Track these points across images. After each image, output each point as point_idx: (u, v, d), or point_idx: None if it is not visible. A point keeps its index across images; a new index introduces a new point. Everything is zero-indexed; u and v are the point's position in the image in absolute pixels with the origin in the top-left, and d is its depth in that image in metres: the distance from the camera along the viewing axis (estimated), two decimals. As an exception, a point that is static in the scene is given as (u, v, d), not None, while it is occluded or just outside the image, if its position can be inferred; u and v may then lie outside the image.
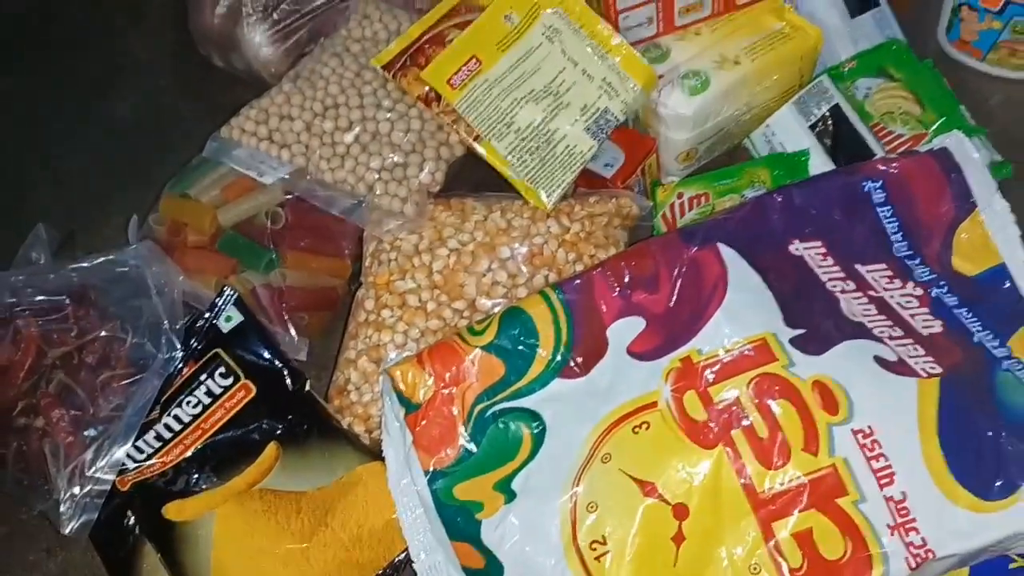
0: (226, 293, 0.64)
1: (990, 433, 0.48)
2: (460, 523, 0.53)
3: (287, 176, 0.69)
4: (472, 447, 0.54)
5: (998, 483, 0.47)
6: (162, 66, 0.94)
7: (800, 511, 0.48)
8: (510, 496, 0.52)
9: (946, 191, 0.57)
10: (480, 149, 0.67)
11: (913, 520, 0.47)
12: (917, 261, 0.56)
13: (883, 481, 0.48)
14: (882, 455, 0.48)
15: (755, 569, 0.48)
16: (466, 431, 0.54)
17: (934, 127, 0.68)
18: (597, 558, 0.50)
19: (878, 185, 0.57)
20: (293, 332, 0.67)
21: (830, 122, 0.69)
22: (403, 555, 0.59)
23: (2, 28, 1.00)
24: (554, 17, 0.68)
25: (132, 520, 0.60)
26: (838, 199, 0.58)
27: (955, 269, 0.56)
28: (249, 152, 0.70)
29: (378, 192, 0.67)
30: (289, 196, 0.69)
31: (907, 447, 0.48)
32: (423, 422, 0.55)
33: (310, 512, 0.58)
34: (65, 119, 0.91)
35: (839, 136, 0.69)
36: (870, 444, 0.49)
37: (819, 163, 0.69)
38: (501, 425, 0.54)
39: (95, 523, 0.60)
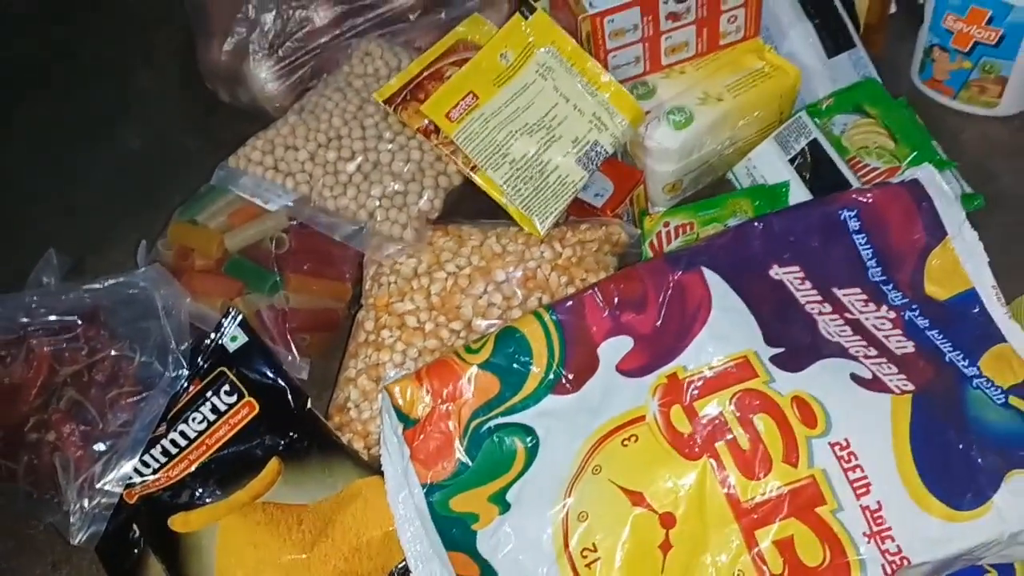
0: (232, 314, 0.66)
1: (961, 446, 0.50)
2: (456, 534, 0.54)
3: (291, 203, 0.71)
4: (468, 461, 0.56)
5: (969, 494, 0.49)
6: (170, 101, 0.97)
7: (781, 519, 0.50)
8: (504, 507, 0.54)
9: (917, 220, 0.60)
10: (477, 179, 0.69)
11: (888, 528, 0.49)
12: (891, 286, 0.59)
13: (859, 491, 0.50)
14: (858, 466, 0.50)
15: (739, 575, 0.49)
16: (462, 445, 0.56)
17: (907, 160, 0.70)
18: (588, 565, 0.51)
19: (853, 214, 0.60)
20: (295, 352, 0.69)
21: (809, 156, 0.72)
22: (401, 565, 0.60)
23: (18, 63, 1.02)
24: (547, 56, 0.71)
25: (137, 533, 0.62)
26: (816, 227, 0.60)
27: (927, 294, 0.59)
28: (255, 180, 0.73)
29: (379, 219, 0.70)
30: (293, 222, 0.71)
31: (882, 459, 0.50)
32: (421, 437, 0.56)
33: (311, 524, 0.59)
34: (77, 150, 0.93)
35: (817, 169, 0.71)
36: (847, 456, 0.50)
37: (798, 195, 0.71)
38: (496, 439, 0.56)
39: (102, 536, 0.61)
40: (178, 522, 0.60)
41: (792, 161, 0.72)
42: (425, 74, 0.72)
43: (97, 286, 0.68)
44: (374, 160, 0.72)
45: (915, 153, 0.71)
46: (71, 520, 0.60)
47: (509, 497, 0.54)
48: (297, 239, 0.71)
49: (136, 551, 0.61)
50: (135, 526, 0.62)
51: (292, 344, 0.69)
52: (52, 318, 0.67)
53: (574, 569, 0.51)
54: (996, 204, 0.72)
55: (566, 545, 0.52)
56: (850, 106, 0.74)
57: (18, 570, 0.66)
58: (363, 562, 0.59)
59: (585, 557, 0.51)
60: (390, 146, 0.72)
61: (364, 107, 0.74)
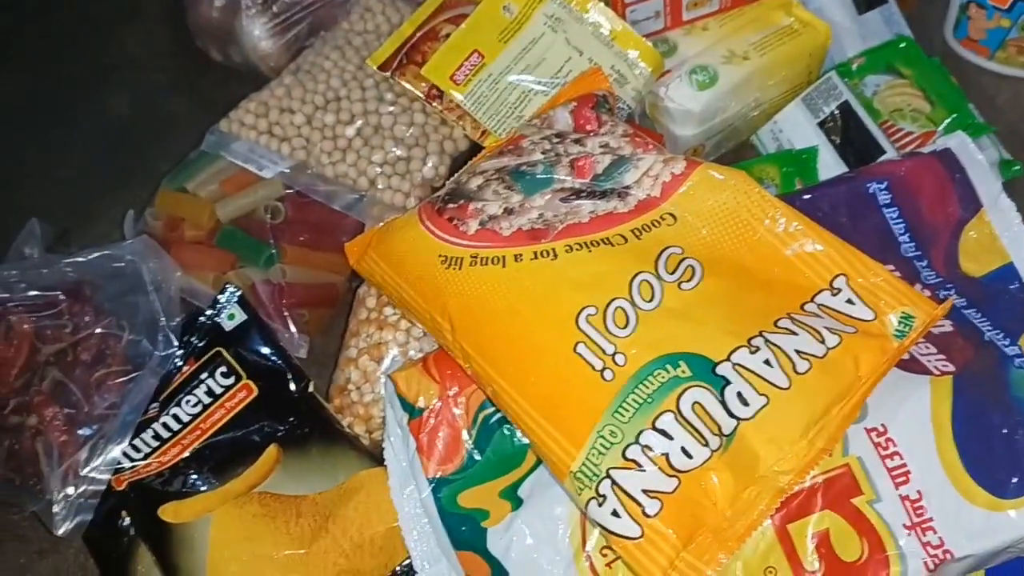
0: (229, 290, 0.63)
1: (1005, 430, 0.48)
2: (465, 532, 0.52)
3: (287, 170, 0.68)
4: (477, 454, 0.53)
5: (1015, 480, 0.46)
6: (158, 62, 0.93)
7: (815, 512, 0.47)
8: (517, 503, 0.52)
9: (951, 192, 0.57)
10: (488, 144, 0.66)
11: (930, 520, 0.46)
12: (925, 263, 0.56)
13: (898, 480, 0.47)
14: (896, 453, 0.47)
15: (771, 573, 0.47)
16: (471, 438, 0.54)
17: (944, 124, 0.67)
18: (608, 564, 0.49)
19: (883, 186, 0.57)
20: (293, 329, 0.66)
21: (839, 119, 0.69)
22: (405, 564, 0.58)
23: (-4, 25, 0.99)
24: (555, 6, 0.68)
25: (127, 520, 0.59)
26: (844, 201, 0.58)
27: (962, 270, 0.56)
28: (248, 146, 0.70)
29: (380, 186, 0.67)
30: (289, 190, 0.68)
31: (921, 445, 0.47)
32: (427, 428, 0.54)
33: (310, 517, 0.57)
34: (60, 115, 0.90)
35: (848, 133, 0.69)
36: (884, 442, 0.48)
37: (828, 160, 0.69)
38: (507, 431, 0.53)
39: (89, 523, 0.59)
40: (169, 512, 0.57)
41: (821, 124, 0.69)
42: (419, 34, 0.69)
43: (81, 259, 0.65)
44: (375, 124, 0.68)
45: (952, 116, 0.67)
46: (55, 510, 0.57)
47: (521, 493, 0.52)
48: (294, 208, 0.68)
49: (126, 540, 0.59)
50: (124, 514, 0.59)
51: (289, 320, 0.66)
52: (33, 293, 0.64)
53: (594, 570, 0.49)
54: (1036, 171, 0.68)
55: (584, 544, 0.49)
56: (882, 66, 0.71)
57: (2, 558, 0.64)
58: (365, 559, 0.57)
59: (605, 556, 0.49)
60: (392, 108, 0.68)
61: (364, 67, 0.71)
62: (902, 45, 0.71)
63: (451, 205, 0.56)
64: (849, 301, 0.48)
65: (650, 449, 0.44)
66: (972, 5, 0.75)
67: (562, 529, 0.50)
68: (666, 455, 0.44)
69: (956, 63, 0.78)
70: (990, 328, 0.53)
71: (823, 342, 0.46)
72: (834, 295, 0.49)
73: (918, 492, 0.47)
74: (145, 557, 0.58)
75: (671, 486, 0.43)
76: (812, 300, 0.49)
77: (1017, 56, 0.76)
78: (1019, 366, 0.51)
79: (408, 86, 0.68)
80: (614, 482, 0.44)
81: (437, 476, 0.53)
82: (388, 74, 0.69)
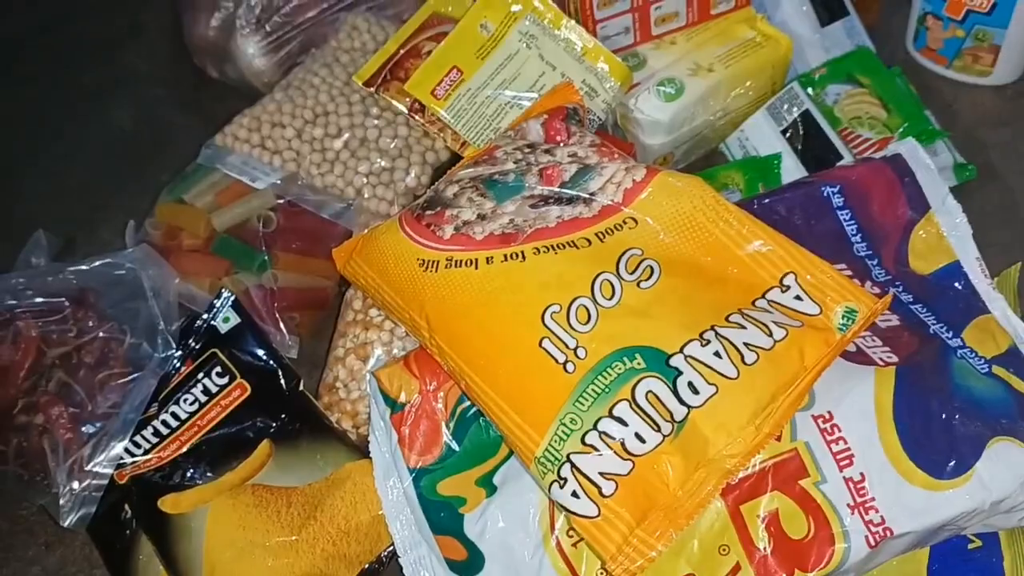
0: (224, 295, 0.66)
1: (944, 416, 0.50)
2: (444, 518, 0.54)
3: (279, 181, 0.71)
4: (455, 445, 0.56)
5: (951, 463, 0.49)
6: (158, 78, 0.96)
7: (766, 493, 0.49)
8: (491, 490, 0.54)
9: (901, 194, 0.60)
10: (467, 154, 0.69)
11: (872, 499, 0.49)
12: (875, 262, 0.59)
13: (842, 463, 0.49)
14: (841, 438, 0.50)
15: (724, 550, 0.49)
16: (449, 430, 0.56)
17: (899, 131, 0.70)
18: (574, 544, 0.51)
19: (836, 190, 0.60)
20: (285, 331, 0.68)
21: (801, 127, 0.71)
22: (389, 549, 0.60)
23: (4, 41, 1.01)
24: (529, 24, 0.70)
25: (129, 513, 0.62)
26: (800, 204, 0.60)
27: (912, 268, 0.59)
28: (242, 158, 0.72)
29: (366, 195, 0.69)
30: (281, 200, 0.71)
31: (864, 431, 0.50)
32: (408, 422, 0.57)
33: (300, 507, 0.59)
34: (64, 129, 0.92)
35: (809, 140, 0.71)
36: (830, 428, 0.50)
37: (790, 166, 0.71)
38: (483, 423, 0.56)
39: (93, 516, 0.61)
40: (168, 503, 0.60)
41: (784, 132, 0.72)
42: (402, 52, 0.72)
43: (84, 267, 0.67)
44: (361, 136, 0.71)
45: (907, 123, 0.70)
46: (61, 503, 0.60)
47: (496, 480, 0.54)
48: (285, 217, 0.71)
49: (128, 532, 0.61)
50: (127, 507, 0.62)
51: (281, 323, 0.69)
52: (40, 300, 0.66)
53: (561, 550, 0.51)
54: (988, 174, 0.71)
55: (552, 527, 0.52)
56: (843, 75, 0.73)
57: (11, 550, 0.66)
58: (351, 545, 0.59)
59: (571, 537, 0.51)
60: (376, 122, 0.71)
61: (351, 82, 0.74)
62: (862, 55, 0.74)
63: (429, 212, 0.59)
64: (797, 297, 0.51)
65: (607, 435, 0.47)
66: (929, 16, 0.78)
67: (532, 513, 0.52)
68: (622, 440, 0.47)
69: (917, 72, 0.80)
70: (935, 322, 0.56)
71: (771, 335, 0.49)
72: (783, 292, 0.52)
73: (861, 474, 0.49)
74: (146, 547, 0.61)
75: (626, 469, 0.46)
76: (763, 296, 0.51)
77: (972, 64, 0.78)
78: (961, 356, 0.53)
79: (392, 101, 0.72)
80: (574, 466, 0.47)
81: (418, 467, 0.56)
82: (373, 90, 0.72)
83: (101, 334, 0.66)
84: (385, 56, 0.72)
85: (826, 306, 0.51)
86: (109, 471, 0.61)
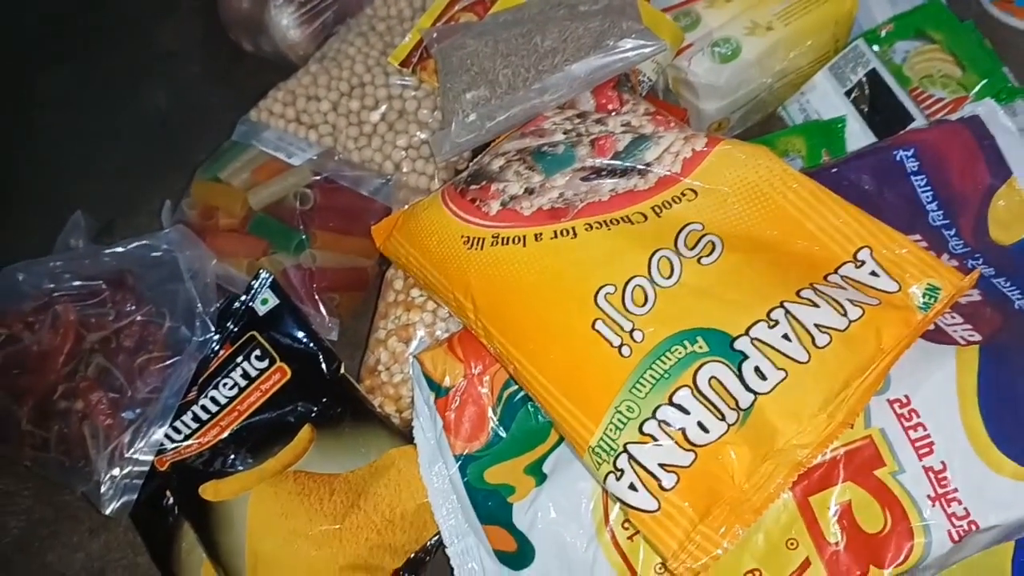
0: (262, 276, 0.65)
1: (1033, 399, 0.47)
2: (492, 507, 0.53)
3: (315, 157, 0.69)
4: (502, 431, 0.54)
5: (1043, 450, 0.46)
6: (193, 54, 0.95)
7: (837, 484, 0.47)
8: (541, 479, 0.52)
9: (980, 159, 0.56)
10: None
11: (954, 491, 0.46)
12: (953, 232, 0.55)
13: (922, 451, 0.47)
14: (920, 424, 0.47)
15: (792, 544, 0.47)
16: (495, 415, 0.55)
17: (976, 89, 0.66)
18: (630, 537, 0.49)
19: (910, 154, 0.56)
20: (324, 312, 0.67)
21: (867, 87, 0.67)
22: (435, 538, 0.59)
23: (39, 23, 1.01)
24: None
25: (171, 500, 0.61)
26: (870, 170, 0.57)
27: (992, 239, 0.55)
28: (278, 134, 0.71)
29: (405, 170, 0.67)
30: (317, 177, 0.69)
31: (946, 416, 0.47)
32: (453, 407, 0.55)
33: (343, 494, 0.58)
34: (100, 109, 0.92)
35: (876, 101, 0.67)
36: (907, 414, 0.47)
37: (856, 130, 0.67)
38: (531, 408, 0.54)
39: (135, 502, 0.61)
40: (209, 491, 0.59)
41: (848, 94, 0.68)
42: (437, 26, 0.68)
43: (121, 249, 0.67)
44: (399, 108, 0.69)
45: (985, 81, 0.65)
46: (102, 490, 0.59)
47: (546, 468, 0.53)
48: (322, 194, 0.69)
49: (170, 519, 0.61)
50: (168, 494, 0.61)
51: (321, 304, 0.67)
52: (78, 283, 0.66)
53: (616, 543, 0.49)
54: (1074, 134, 0.66)
55: (607, 518, 0.50)
56: (912, 31, 0.69)
57: (56, 536, 0.66)
58: (396, 534, 0.58)
59: (627, 529, 0.49)
60: (416, 93, 0.69)
61: (387, 52, 0.71)
62: (932, 9, 0.69)
63: (473, 186, 0.56)
64: (873, 273, 0.48)
65: (667, 424, 0.44)
66: (1007, -36, 0.73)
67: (585, 503, 0.50)
68: (683, 429, 0.44)
69: (992, 26, 0.75)
70: (1020, 296, 0.52)
71: (845, 315, 0.46)
72: (858, 267, 0.48)
73: (942, 463, 0.46)
74: (188, 535, 0.60)
75: (688, 460, 0.44)
76: (836, 272, 0.48)
77: (1055, 16, 0.73)
78: (1050, 333, 0.50)
79: (429, 81, 0.69)
80: (631, 456, 0.44)
81: (464, 453, 0.54)
82: (408, 69, 0.69)
83: (139, 317, 0.65)
84: (419, 34, 0.69)
85: (905, 283, 0.47)
86: (150, 458, 0.61)
